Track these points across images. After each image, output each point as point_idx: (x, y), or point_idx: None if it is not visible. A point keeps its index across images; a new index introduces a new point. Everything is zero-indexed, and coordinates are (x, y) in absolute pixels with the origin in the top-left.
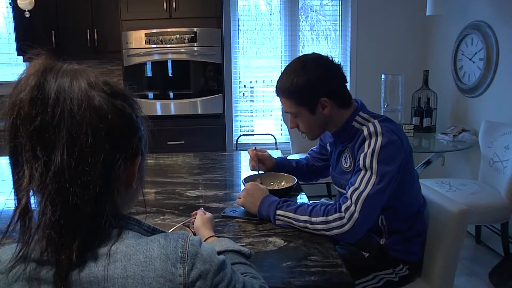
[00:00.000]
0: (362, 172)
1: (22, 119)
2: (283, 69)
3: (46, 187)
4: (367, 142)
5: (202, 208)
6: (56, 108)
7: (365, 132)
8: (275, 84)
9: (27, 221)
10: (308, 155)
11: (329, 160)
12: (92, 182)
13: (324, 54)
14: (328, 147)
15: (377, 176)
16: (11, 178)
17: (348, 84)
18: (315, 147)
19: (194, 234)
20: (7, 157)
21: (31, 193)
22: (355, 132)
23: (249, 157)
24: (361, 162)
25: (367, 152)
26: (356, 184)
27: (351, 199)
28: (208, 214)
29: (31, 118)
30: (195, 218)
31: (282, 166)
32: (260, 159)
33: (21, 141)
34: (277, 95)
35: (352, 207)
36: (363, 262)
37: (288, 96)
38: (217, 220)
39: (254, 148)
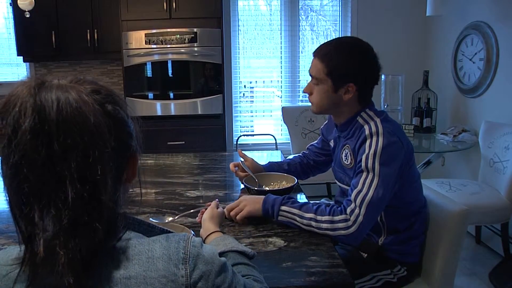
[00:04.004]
0: (364, 174)
1: (26, 156)
2: (334, 38)
3: (62, 221)
4: (368, 142)
5: (217, 200)
6: (59, 137)
7: (367, 131)
8: (318, 46)
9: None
10: (305, 151)
11: (330, 156)
12: (106, 203)
13: None
14: (332, 144)
15: (379, 178)
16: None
17: None
18: (315, 141)
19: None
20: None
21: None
22: (357, 128)
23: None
24: (363, 164)
25: (368, 153)
26: (359, 187)
27: (355, 202)
28: (220, 209)
29: (37, 154)
30: (205, 209)
31: (271, 171)
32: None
33: (26, 183)
34: (314, 55)
35: (357, 210)
36: (361, 262)
37: (325, 60)
38: None
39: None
